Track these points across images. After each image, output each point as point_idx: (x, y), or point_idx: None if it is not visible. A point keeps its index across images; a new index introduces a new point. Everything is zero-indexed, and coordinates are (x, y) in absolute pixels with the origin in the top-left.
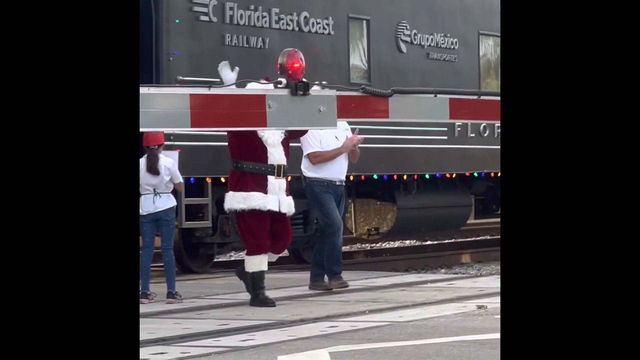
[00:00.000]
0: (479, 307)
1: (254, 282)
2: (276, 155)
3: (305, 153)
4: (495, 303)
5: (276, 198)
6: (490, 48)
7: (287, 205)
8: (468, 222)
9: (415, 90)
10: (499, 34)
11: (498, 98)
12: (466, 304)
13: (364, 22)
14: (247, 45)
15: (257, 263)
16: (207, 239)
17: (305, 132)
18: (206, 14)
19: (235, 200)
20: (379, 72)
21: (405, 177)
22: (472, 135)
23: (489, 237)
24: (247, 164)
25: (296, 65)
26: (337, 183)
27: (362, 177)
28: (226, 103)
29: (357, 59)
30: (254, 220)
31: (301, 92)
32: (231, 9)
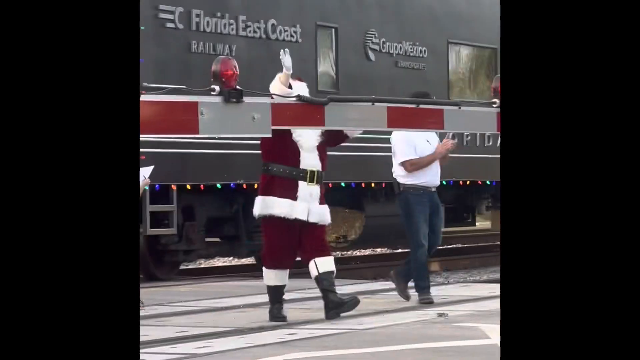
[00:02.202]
0: (440, 314)
1: (268, 296)
2: (309, 160)
3: (399, 161)
4: (457, 311)
5: (306, 206)
6: (459, 56)
7: (317, 215)
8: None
9: (352, 98)
10: (469, 43)
11: (440, 107)
12: (427, 311)
13: (332, 30)
14: (214, 53)
15: (269, 277)
16: (172, 246)
17: (342, 136)
18: (172, 20)
19: (262, 206)
20: (347, 80)
21: (373, 185)
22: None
23: (459, 246)
24: (277, 166)
25: (229, 72)
26: (433, 189)
27: (330, 185)
28: (159, 109)
29: (325, 67)
30: (277, 230)
31: (234, 100)
32: (197, 16)
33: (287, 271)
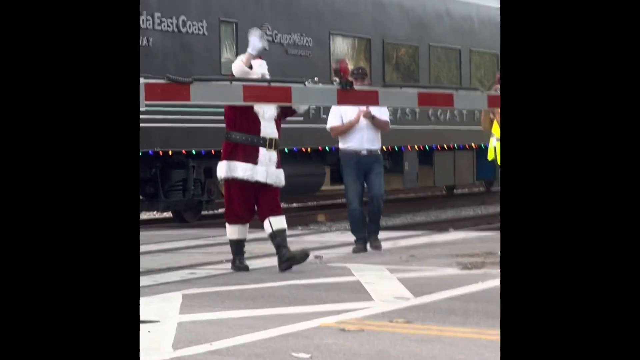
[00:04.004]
0: (316, 257)
1: (231, 249)
2: (268, 129)
3: (327, 127)
4: (331, 254)
5: (265, 169)
6: (339, 45)
7: (274, 177)
8: (324, 188)
9: (213, 78)
10: (348, 34)
11: (288, 85)
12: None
13: (234, 24)
14: None
15: (232, 232)
16: None
17: (291, 110)
18: None
19: (226, 169)
20: None
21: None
22: (325, 116)
23: (343, 201)
24: (240, 135)
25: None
26: (363, 152)
27: None
28: None
29: (228, 54)
30: (239, 190)
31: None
32: None
33: (247, 226)
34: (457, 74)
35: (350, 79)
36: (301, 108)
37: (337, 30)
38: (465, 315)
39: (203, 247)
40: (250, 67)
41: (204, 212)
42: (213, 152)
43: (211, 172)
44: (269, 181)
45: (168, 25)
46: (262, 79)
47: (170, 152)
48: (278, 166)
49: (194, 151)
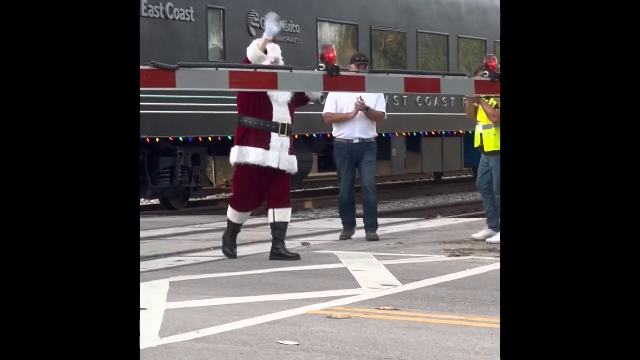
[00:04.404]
0: (303, 244)
1: (227, 229)
2: (281, 114)
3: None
4: (318, 241)
5: (277, 155)
6: (326, 32)
7: (286, 163)
8: (311, 174)
9: (199, 64)
10: (335, 20)
11: (274, 71)
12: (294, 241)
13: (220, 11)
14: None
15: (233, 215)
16: None
17: (304, 98)
18: None
19: (238, 154)
20: (232, 52)
21: None
22: (312, 103)
23: (331, 187)
24: (252, 120)
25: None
26: (355, 141)
27: (219, 138)
28: None
29: (215, 41)
30: (249, 176)
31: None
32: None
33: (249, 213)
34: (444, 60)
35: (353, 65)
36: (313, 95)
37: (324, 17)
38: (453, 302)
39: (190, 234)
40: (265, 51)
41: (191, 199)
42: (200, 139)
43: (199, 159)
44: (282, 167)
45: (155, 12)
46: (251, 65)
47: (157, 139)
48: (291, 152)
49: (181, 138)
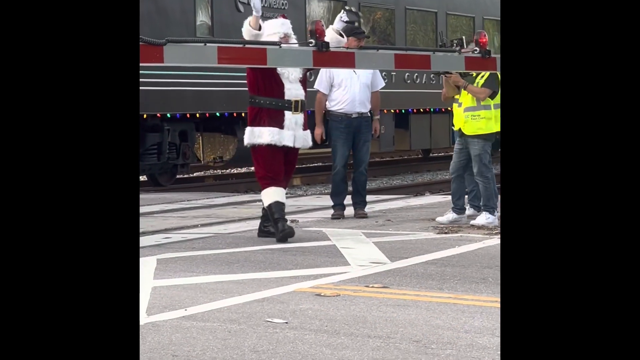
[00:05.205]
0: (292, 221)
1: (272, 214)
2: (293, 91)
3: (315, 87)
4: (307, 218)
5: (292, 133)
6: (315, 8)
7: (302, 140)
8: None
9: (187, 40)
10: None
11: (262, 46)
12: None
13: None
14: None
15: (271, 195)
16: None
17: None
18: None
19: (253, 135)
20: (220, 28)
21: (243, 114)
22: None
23: (320, 164)
24: (264, 99)
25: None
26: (354, 115)
27: (207, 115)
28: None
29: (203, 17)
30: (269, 154)
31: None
32: None
33: (284, 190)
34: (433, 37)
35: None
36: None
37: None
38: (442, 280)
39: (178, 211)
40: (259, 28)
41: (179, 176)
42: (188, 115)
43: (186, 135)
44: (297, 145)
45: None
46: (238, 40)
47: (144, 116)
48: (305, 128)
49: (168, 114)
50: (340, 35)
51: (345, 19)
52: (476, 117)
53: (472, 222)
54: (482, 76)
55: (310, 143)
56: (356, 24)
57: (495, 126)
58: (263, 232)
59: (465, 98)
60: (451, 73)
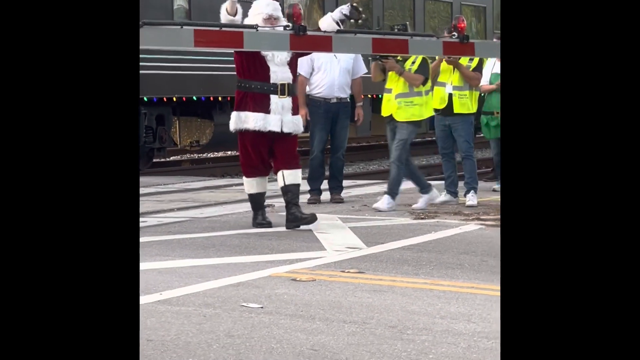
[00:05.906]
0: (268, 205)
1: (251, 205)
2: (279, 74)
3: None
4: (282, 203)
5: (279, 118)
6: None
7: (290, 125)
8: None
9: (164, 22)
10: None
11: (240, 29)
12: None
13: None
14: None
15: (251, 185)
16: None
17: (304, 55)
18: None
19: (239, 120)
20: (198, 12)
21: (220, 98)
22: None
23: (299, 149)
24: (250, 83)
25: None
26: (333, 100)
27: (184, 99)
28: None
29: (180, 1)
30: (252, 141)
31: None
32: None
33: (266, 178)
34: (410, 22)
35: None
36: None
37: None
38: (418, 266)
39: (154, 195)
40: (235, 13)
41: (155, 160)
42: (165, 99)
43: (163, 119)
44: (285, 130)
45: None
46: (214, 23)
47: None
48: (294, 113)
49: (145, 98)
50: (338, 25)
51: (347, 13)
52: (409, 103)
53: (469, 202)
54: (414, 62)
55: (301, 128)
56: (355, 22)
57: (426, 112)
58: (291, 222)
59: (395, 84)
60: (388, 58)
